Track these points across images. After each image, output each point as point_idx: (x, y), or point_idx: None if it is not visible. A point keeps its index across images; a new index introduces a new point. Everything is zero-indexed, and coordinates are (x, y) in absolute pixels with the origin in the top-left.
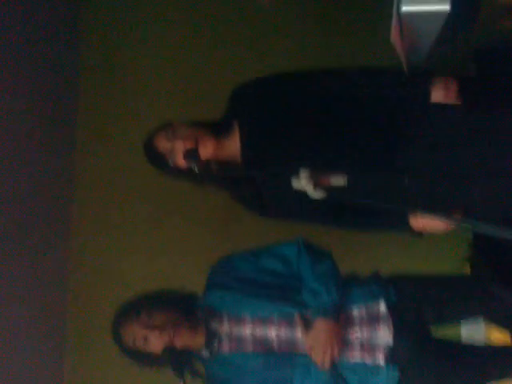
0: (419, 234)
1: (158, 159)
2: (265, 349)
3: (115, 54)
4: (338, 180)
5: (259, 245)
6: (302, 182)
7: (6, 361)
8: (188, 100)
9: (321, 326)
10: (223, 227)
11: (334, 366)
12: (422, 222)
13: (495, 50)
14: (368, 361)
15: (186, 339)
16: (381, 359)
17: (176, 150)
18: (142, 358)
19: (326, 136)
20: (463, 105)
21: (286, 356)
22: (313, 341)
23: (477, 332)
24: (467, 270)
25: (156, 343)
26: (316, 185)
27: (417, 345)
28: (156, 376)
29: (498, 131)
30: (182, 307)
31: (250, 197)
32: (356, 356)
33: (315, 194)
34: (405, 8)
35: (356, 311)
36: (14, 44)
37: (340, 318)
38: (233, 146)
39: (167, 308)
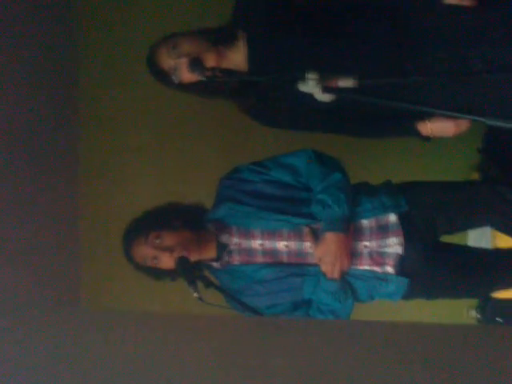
0: (427, 139)
1: (162, 76)
2: (274, 260)
3: None
4: (347, 82)
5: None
6: (310, 85)
7: None
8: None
9: (330, 238)
10: (231, 141)
11: (343, 276)
12: (431, 125)
13: None
14: (377, 269)
15: (197, 254)
16: (390, 267)
17: (180, 67)
18: (154, 273)
19: (333, 38)
20: (478, 5)
21: (295, 266)
22: (322, 253)
23: (483, 240)
24: (475, 177)
25: (167, 262)
26: (324, 87)
27: (426, 253)
28: (171, 286)
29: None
30: (191, 223)
31: (256, 107)
32: (365, 264)
33: (323, 96)
34: None
35: (366, 222)
36: None
37: (350, 230)
38: (237, 56)
39: (176, 227)
